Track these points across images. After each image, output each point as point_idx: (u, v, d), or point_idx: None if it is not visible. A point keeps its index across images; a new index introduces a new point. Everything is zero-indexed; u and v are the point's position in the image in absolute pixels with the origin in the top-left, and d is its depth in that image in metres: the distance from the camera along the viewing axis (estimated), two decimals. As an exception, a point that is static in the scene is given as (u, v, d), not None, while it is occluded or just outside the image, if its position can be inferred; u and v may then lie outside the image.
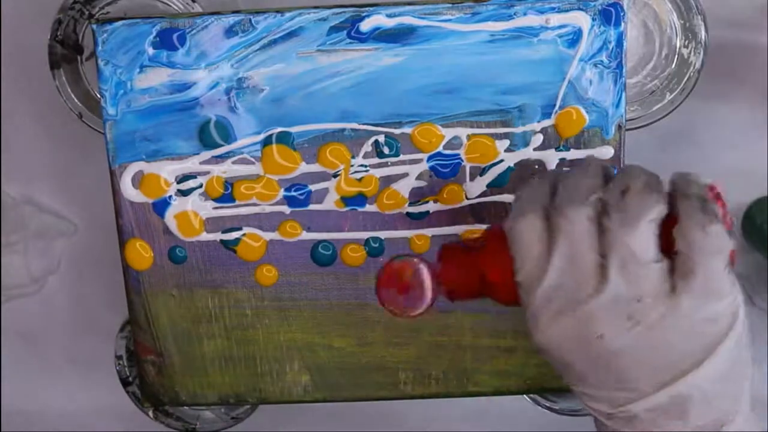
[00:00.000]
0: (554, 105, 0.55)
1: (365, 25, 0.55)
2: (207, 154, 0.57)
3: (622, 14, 0.54)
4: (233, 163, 0.57)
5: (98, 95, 0.57)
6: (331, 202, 0.57)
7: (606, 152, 0.56)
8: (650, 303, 0.42)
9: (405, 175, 0.57)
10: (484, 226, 0.58)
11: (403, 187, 0.57)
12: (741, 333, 0.43)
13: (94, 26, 0.55)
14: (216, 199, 0.57)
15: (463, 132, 0.56)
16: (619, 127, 0.56)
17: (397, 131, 0.56)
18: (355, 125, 0.56)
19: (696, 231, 0.42)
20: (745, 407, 0.44)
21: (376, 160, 0.57)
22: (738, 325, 0.43)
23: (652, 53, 0.61)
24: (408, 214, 0.58)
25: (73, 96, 0.63)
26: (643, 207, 0.43)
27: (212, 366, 0.61)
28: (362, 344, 0.60)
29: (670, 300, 0.42)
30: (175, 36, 0.55)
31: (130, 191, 0.57)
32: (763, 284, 0.72)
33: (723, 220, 0.43)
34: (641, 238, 0.42)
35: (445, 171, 0.57)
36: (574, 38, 0.54)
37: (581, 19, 0.54)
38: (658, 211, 0.43)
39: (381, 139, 0.56)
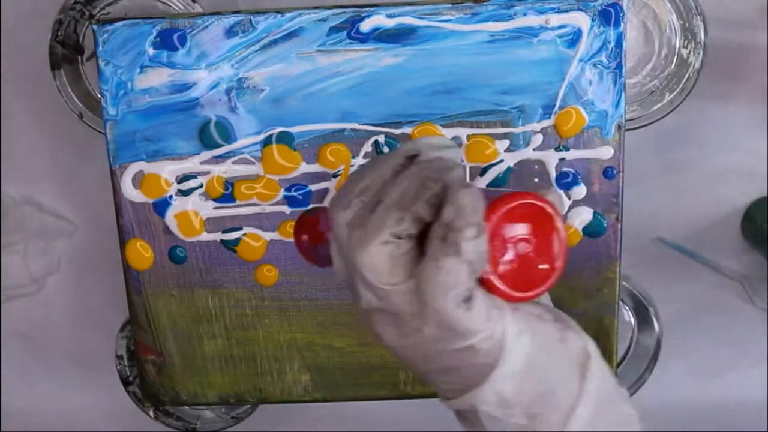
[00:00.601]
0: (554, 105, 0.56)
1: (365, 26, 0.55)
2: (207, 154, 0.57)
3: (621, 15, 0.54)
4: (233, 163, 0.57)
5: (99, 95, 0.57)
6: (331, 202, 0.57)
7: (606, 152, 0.56)
8: (406, 318, 0.40)
9: (405, 175, 0.57)
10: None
11: (403, 187, 0.57)
12: (521, 361, 0.41)
13: (95, 27, 0.55)
14: (216, 199, 0.57)
15: (463, 132, 0.56)
16: (619, 127, 0.56)
17: (397, 131, 0.56)
18: (355, 125, 0.56)
19: (429, 263, 0.39)
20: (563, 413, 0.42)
21: (376, 160, 0.57)
22: (509, 357, 0.40)
23: (651, 53, 0.61)
24: (408, 214, 0.58)
25: (73, 96, 0.63)
26: (377, 227, 0.40)
27: (212, 366, 0.61)
28: (362, 344, 0.60)
29: (420, 322, 0.40)
30: (175, 36, 0.55)
31: (130, 191, 0.57)
32: (763, 284, 0.72)
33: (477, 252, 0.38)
34: (371, 259, 0.40)
35: (445, 171, 0.57)
36: (573, 38, 0.55)
37: (581, 20, 0.54)
38: (390, 233, 0.40)
39: (381, 139, 0.56)
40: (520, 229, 0.41)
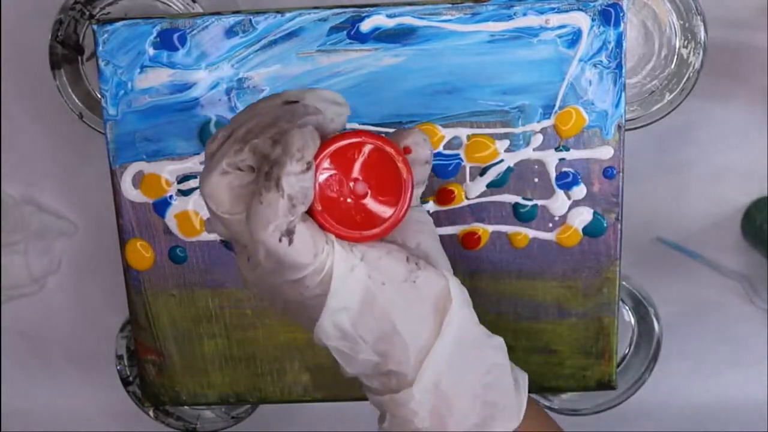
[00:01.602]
0: (554, 105, 0.56)
1: (365, 26, 0.55)
2: (207, 154, 0.57)
3: (621, 15, 0.54)
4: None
5: (99, 95, 0.57)
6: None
7: (606, 152, 0.56)
8: (249, 251, 0.42)
9: (405, 175, 0.57)
10: (483, 226, 0.58)
11: (403, 187, 0.57)
12: (357, 296, 0.42)
13: (95, 27, 0.55)
14: (216, 199, 0.57)
15: (463, 132, 0.56)
16: (619, 127, 0.56)
17: (397, 131, 0.56)
18: (355, 125, 0.56)
19: (253, 197, 0.40)
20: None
21: (376, 160, 0.57)
22: (340, 291, 0.41)
23: (651, 53, 0.61)
24: (408, 214, 0.58)
25: (73, 96, 0.63)
26: (218, 157, 0.41)
27: (212, 366, 0.61)
28: (362, 344, 0.60)
29: (256, 254, 0.41)
30: (175, 36, 0.55)
31: (130, 191, 0.57)
32: (763, 284, 0.72)
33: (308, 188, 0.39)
34: (211, 188, 0.41)
35: (445, 171, 0.57)
36: (573, 38, 0.55)
37: (581, 20, 0.54)
38: (226, 162, 0.41)
39: (381, 139, 0.56)
40: (360, 169, 0.42)
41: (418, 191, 0.46)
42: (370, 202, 0.42)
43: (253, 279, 0.43)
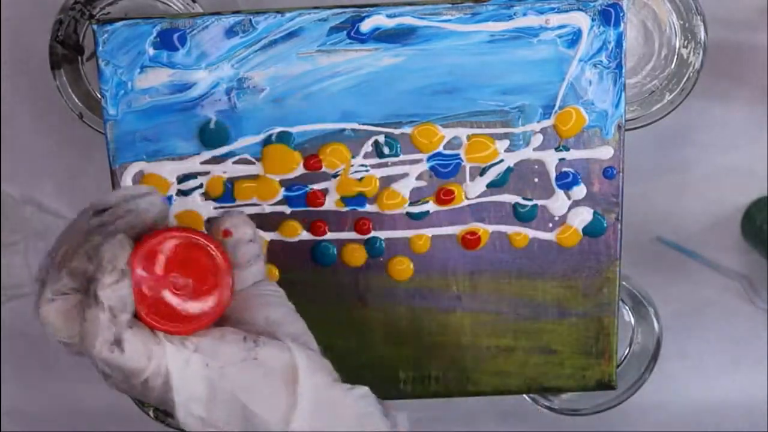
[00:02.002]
0: (554, 105, 0.56)
1: (365, 26, 0.55)
2: (207, 154, 0.57)
3: (621, 15, 0.54)
4: (234, 163, 0.57)
5: (99, 95, 0.57)
6: (331, 202, 0.57)
7: (606, 152, 0.56)
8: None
9: (405, 175, 0.57)
10: (483, 226, 0.58)
11: (403, 187, 0.57)
12: (202, 385, 0.43)
13: (95, 27, 0.55)
14: (216, 199, 0.57)
15: (463, 132, 0.56)
16: (619, 127, 0.56)
17: (397, 131, 0.56)
18: (355, 125, 0.56)
19: (80, 318, 0.42)
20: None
21: (376, 160, 0.57)
22: (181, 386, 0.43)
23: (651, 53, 0.61)
24: (408, 214, 0.58)
25: (73, 96, 0.63)
26: (44, 286, 0.43)
27: (212, 366, 0.61)
28: (362, 344, 0.60)
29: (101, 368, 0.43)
30: (175, 36, 0.55)
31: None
32: (763, 284, 0.72)
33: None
34: (43, 317, 0.43)
35: (445, 171, 0.57)
36: (573, 38, 0.55)
37: (581, 20, 0.54)
38: (51, 290, 0.42)
39: (381, 139, 0.56)
40: (177, 264, 0.43)
41: (257, 268, 0.47)
42: (193, 293, 0.43)
43: (117, 389, 0.45)
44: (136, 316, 0.42)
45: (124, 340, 0.41)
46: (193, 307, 0.43)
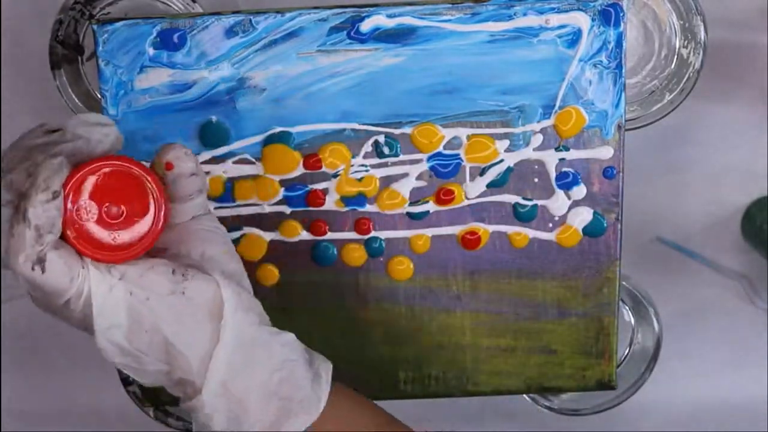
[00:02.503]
0: (554, 105, 0.56)
1: (365, 26, 0.55)
2: (207, 154, 0.57)
3: (621, 15, 0.54)
4: (234, 163, 0.57)
5: (99, 95, 0.57)
6: (331, 202, 0.57)
7: (606, 152, 0.56)
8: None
9: (405, 175, 0.57)
10: (483, 226, 0.58)
11: (403, 187, 0.57)
12: (123, 313, 0.43)
13: (95, 27, 0.55)
14: (216, 199, 0.57)
15: (463, 132, 0.56)
16: (619, 127, 0.56)
17: (397, 131, 0.56)
18: (355, 125, 0.56)
19: (6, 231, 0.42)
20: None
21: (376, 160, 0.57)
22: (102, 311, 0.43)
23: (651, 53, 0.61)
24: (408, 214, 0.58)
25: (73, 96, 0.63)
26: None
27: (212, 366, 0.61)
28: (362, 344, 0.60)
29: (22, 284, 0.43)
30: (175, 36, 0.55)
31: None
32: (763, 284, 0.72)
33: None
34: None
35: (445, 171, 0.57)
36: (573, 38, 0.55)
37: (581, 20, 0.54)
38: None
39: (381, 139, 0.56)
40: (113, 192, 0.43)
41: (198, 201, 0.47)
42: (126, 223, 0.44)
43: (37, 306, 0.45)
44: (64, 239, 0.43)
45: (47, 260, 0.42)
46: (123, 236, 0.44)
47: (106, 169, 0.43)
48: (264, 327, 0.47)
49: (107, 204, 0.43)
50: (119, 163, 0.43)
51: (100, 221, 0.43)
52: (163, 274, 0.44)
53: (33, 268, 0.42)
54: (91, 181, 0.43)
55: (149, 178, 0.44)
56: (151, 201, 0.44)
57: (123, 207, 0.43)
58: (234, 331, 0.45)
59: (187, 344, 0.44)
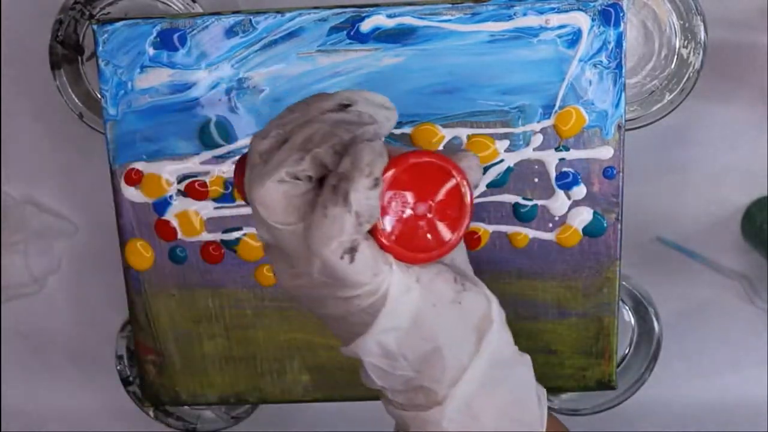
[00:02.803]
0: (554, 105, 0.56)
1: (365, 26, 0.55)
2: (207, 154, 0.57)
3: (621, 15, 0.54)
4: (234, 163, 0.57)
5: (99, 95, 0.57)
6: (331, 202, 0.57)
7: (606, 152, 0.56)
8: (296, 260, 0.41)
9: (405, 175, 0.57)
10: (484, 226, 0.58)
11: (403, 187, 0.57)
12: (407, 317, 0.41)
13: (95, 27, 0.55)
14: (216, 199, 0.57)
15: (463, 132, 0.56)
16: (619, 127, 0.56)
17: (397, 131, 0.56)
18: (355, 125, 0.56)
19: (317, 209, 0.39)
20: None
21: (376, 160, 0.57)
22: (392, 312, 0.41)
23: (651, 54, 0.61)
24: (408, 214, 0.58)
25: (73, 96, 0.63)
26: (276, 164, 0.40)
27: (212, 366, 0.61)
28: (362, 344, 0.60)
29: (308, 266, 0.40)
30: (175, 36, 0.55)
31: (130, 191, 0.57)
32: (763, 284, 0.72)
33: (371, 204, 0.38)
34: (265, 195, 0.40)
35: (445, 171, 0.57)
36: (573, 38, 0.55)
37: (581, 20, 0.54)
38: (286, 171, 0.39)
39: (381, 139, 0.56)
40: (423, 190, 0.41)
41: None
42: (431, 224, 0.41)
43: (293, 287, 0.42)
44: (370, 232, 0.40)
45: (359, 249, 0.39)
46: (430, 236, 0.41)
47: (423, 165, 0.40)
48: (514, 346, 0.45)
49: (417, 200, 0.40)
50: (442, 162, 0.40)
51: (407, 217, 0.41)
52: (447, 281, 0.42)
53: (342, 256, 0.39)
54: (390, 173, 0.40)
55: (465, 183, 0.41)
56: (463, 205, 0.41)
57: (432, 204, 0.41)
58: (494, 348, 0.43)
59: (452, 355, 0.42)
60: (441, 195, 0.41)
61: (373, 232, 0.40)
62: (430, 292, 0.42)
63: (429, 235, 0.41)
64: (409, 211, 0.41)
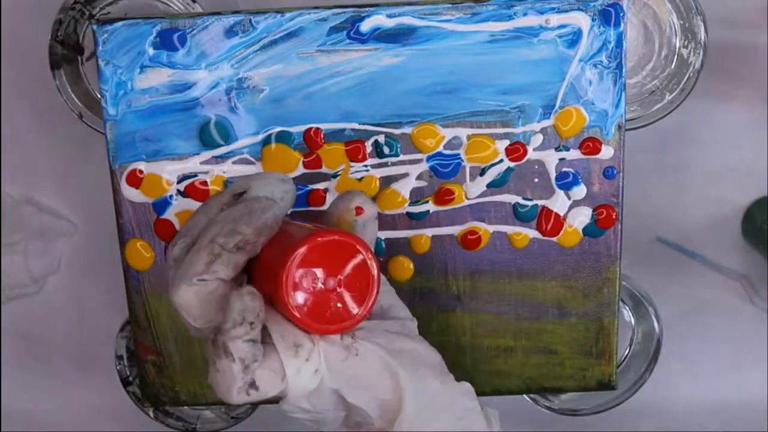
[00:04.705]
0: (554, 105, 0.56)
1: (365, 26, 0.55)
2: (207, 154, 0.57)
3: (621, 15, 0.54)
4: (233, 163, 0.57)
5: (99, 95, 0.57)
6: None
7: (606, 152, 0.56)
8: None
9: (405, 175, 0.57)
10: (484, 226, 0.58)
11: (403, 187, 0.57)
12: (311, 385, 0.43)
13: (95, 26, 0.55)
14: (216, 199, 0.57)
15: (463, 132, 0.56)
16: (619, 127, 0.56)
17: (397, 131, 0.56)
18: (355, 125, 0.56)
19: (210, 368, 0.42)
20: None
21: (376, 160, 0.57)
22: (292, 391, 0.43)
23: (651, 53, 0.61)
24: (408, 214, 0.58)
25: (73, 96, 0.63)
26: (186, 269, 0.42)
27: (212, 366, 0.61)
28: (362, 344, 0.60)
29: None
30: (175, 36, 0.55)
31: (130, 191, 0.57)
32: (763, 284, 0.72)
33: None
34: (180, 299, 0.42)
35: (445, 171, 0.57)
36: (573, 38, 0.55)
37: (581, 20, 0.54)
38: (196, 277, 0.42)
39: (381, 139, 0.56)
40: (332, 265, 0.42)
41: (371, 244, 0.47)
42: (340, 297, 0.43)
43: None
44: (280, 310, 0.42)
45: (256, 381, 0.42)
46: (341, 309, 0.43)
47: (324, 245, 0.42)
48: (443, 377, 0.46)
49: (326, 276, 0.42)
50: (344, 238, 0.42)
51: (314, 291, 0.42)
52: (334, 343, 0.43)
53: (248, 393, 0.41)
54: (301, 251, 0.41)
55: (371, 257, 0.42)
56: (371, 279, 0.43)
57: (341, 278, 0.42)
58: (415, 387, 0.44)
59: (367, 400, 0.44)
60: (348, 270, 0.42)
61: (285, 308, 0.42)
62: (324, 361, 0.43)
63: (340, 306, 0.43)
64: (320, 286, 0.42)
